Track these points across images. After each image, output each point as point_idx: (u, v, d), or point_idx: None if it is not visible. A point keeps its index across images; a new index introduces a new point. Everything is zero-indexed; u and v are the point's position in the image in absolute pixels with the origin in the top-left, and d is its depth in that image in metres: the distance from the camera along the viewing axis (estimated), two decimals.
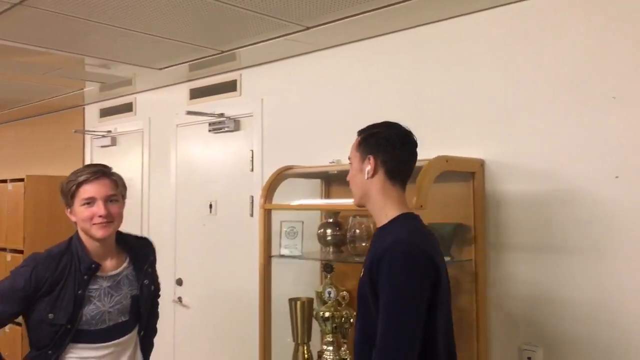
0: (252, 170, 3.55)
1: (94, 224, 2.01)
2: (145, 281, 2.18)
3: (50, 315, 1.96)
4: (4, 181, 4.86)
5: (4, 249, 4.76)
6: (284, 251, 2.84)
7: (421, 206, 2.05)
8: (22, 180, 4.66)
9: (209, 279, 3.81)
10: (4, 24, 2.79)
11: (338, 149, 2.95)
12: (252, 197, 3.52)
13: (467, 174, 2.49)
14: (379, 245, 1.67)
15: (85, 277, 2.02)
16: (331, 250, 2.88)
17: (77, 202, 2.03)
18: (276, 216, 2.87)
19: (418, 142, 1.82)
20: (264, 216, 2.82)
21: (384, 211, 1.75)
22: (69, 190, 2.04)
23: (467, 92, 2.60)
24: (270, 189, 2.87)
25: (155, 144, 4.30)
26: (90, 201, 2.02)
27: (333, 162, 3.02)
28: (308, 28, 2.85)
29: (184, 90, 4.05)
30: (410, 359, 1.56)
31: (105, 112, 4.76)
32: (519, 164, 2.42)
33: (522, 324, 2.41)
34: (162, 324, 2.42)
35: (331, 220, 2.89)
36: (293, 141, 3.35)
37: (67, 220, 2.09)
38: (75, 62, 3.55)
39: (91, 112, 4.94)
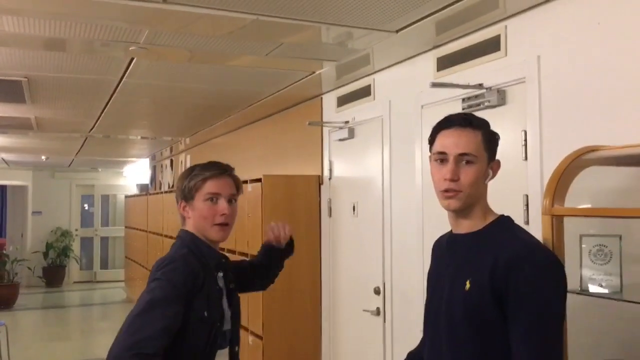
0: (526, 158, 2.51)
1: (215, 224, 1.96)
2: (231, 285, 2.06)
3: (206, 313, 1.88)
4: (245, 182, 4.55)
5: (245, 255, 4.44)
6: (589, 284, 1.76)
7: None
8: (259, 180, 4.28)
9: None
10: None
11: None
12: (527, 196, 2.48)
13: None
14: (498, 249, 1.51)
15: (217, 272, 1.98)
16: None
17: (200, 196, 1.97)
18: (571, 226, 1.81)
19: None
20: (551, 226, 1.77)
21: (485, 215, 1.63)
22: (193, 185, 1.97)
23: None
24: (560, 184, 1.82)
25: (397, 132, 3.49)
26: (214, 197, 1.96)
27: None
28: None
29: (429, 60, 3.17)
30: None
31: (343, 100, 4.12)
32: None
33: None
34: None
35: None
36: (590, 113, 2.23)
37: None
38: (293, 30, 2.90)
39: (329, 101, 4.35)
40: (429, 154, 1.70)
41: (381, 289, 3.59)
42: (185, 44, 3.07)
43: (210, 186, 1.96)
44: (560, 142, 2.33)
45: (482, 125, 1.64)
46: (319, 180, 4.41)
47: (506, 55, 2.66)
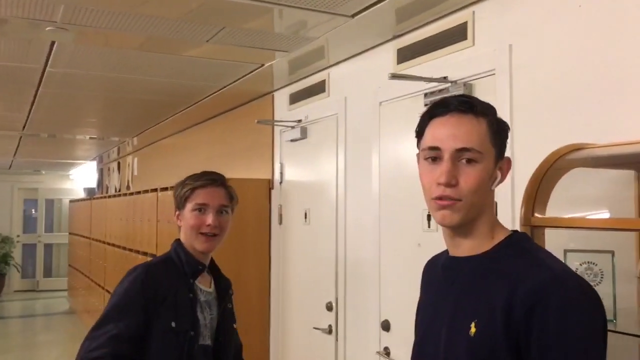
0: None
1: (200, 234, 1.96)
2: (228, 304, 2.08)
3: (173, 324, 1.85)
4: None
5: None
6: None
7: None
8: None
9: None
10: None
11: None
12: (496, 203, 2.18)
13: None
14: (514, 281, 1.09)
15: (192, 280, 1.95)
16: None
17: (189, 206, 1.98)
18: (554, 238, 1.51)
19: None
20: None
21: (492, 232, 1.21)
22: (183, 194, 1.99)
23: None
24: (541, 189, 1.51)
25: (353, 132, 3.17)
26: (202, 207, 1.97)
27: None
28: None
29: (389, 52, 2.86)
30: None
31: (295, 97, 3.78)
32: None
33: None
34: None
35: None
36: (569, 109, 1.94)
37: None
38: (236, 10, 2.56)
39: (281, 99, 4.01)
40: (417, 150, 1.30)
41: (334, 304, 3.25)
42: (110, 24, 2.68)
43: (198, 196, 1.97)
44: (534, 141, 2.04)
45: (488, 112, 1.22)
46: (269, 184, 4.06)
47: (474, 44, 2.36)
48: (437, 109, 1.23)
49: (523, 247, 1.20)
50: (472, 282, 1.19)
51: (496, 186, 1.23)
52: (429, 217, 2.54)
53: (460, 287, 1.21)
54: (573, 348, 1.04)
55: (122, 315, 1.82)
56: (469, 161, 1.16)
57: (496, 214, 1.31)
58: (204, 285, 2.01)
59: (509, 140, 1.95)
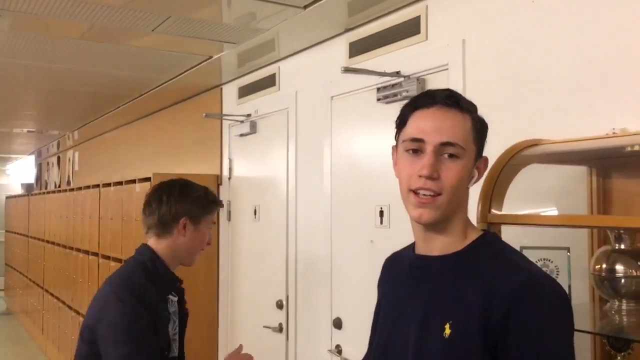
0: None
1: (202, 249, 2.01)
2: (185, 305, 2.02)
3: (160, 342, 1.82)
4: (132, 182, 4.01)
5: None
6: None
7: None
8: (148, 179, 3.76)
9: None
10: None
11: (618, 111, 1.62)
12: None
13: None
14: (488, 283, 1.09)
15: (169, 295, 1.91)
16: (624, 306, 1.47)
17: (207, 222, 2.01)
18: (511, 235, 1.49)
19: None
20: None
21: (466, 231, 1.19)
22: (206, 210, 2.00)
23: None
24: (496, 185, 1.49)
25: (304, 127, 3.11)
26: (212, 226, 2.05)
27: (614, 132, 1.58)
28: None
29: (341, 45, 2.81)
30: None
31: (245, 91, 3.69)
32: None
33: None
34: None
35: (623, 246, 1.47)
36: (522, 104, 1.94)
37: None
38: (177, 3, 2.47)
39: (229, 92, 3.91)
40: (395, 142, 1.25)
41: (284, 302, 3.19)
42: (49, 11, 2.54)
43: (214, 216, 2.05)
44: (489, 137, 2.03)
45: (472, 108, 1.21)
46: (218, 180, 3.95)
47: (427, 39, 2.34)
48: (421, 100, 1.20)
49: (497, 247, 1.19)
50: (445, 282, 1.16)
51: (472, 185, 1.21)
52: (381, 213, 2.51)
53: (431, 287, 1.18)
54: (549, 349, 1.04)
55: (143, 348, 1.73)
56: (451, 156, 1.14)
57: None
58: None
59: None
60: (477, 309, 1.08)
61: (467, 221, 1.22)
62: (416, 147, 1.16)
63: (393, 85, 2.42)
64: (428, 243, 1.21)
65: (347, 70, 2.37)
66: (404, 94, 2.36)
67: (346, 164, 2.76)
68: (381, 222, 2.52)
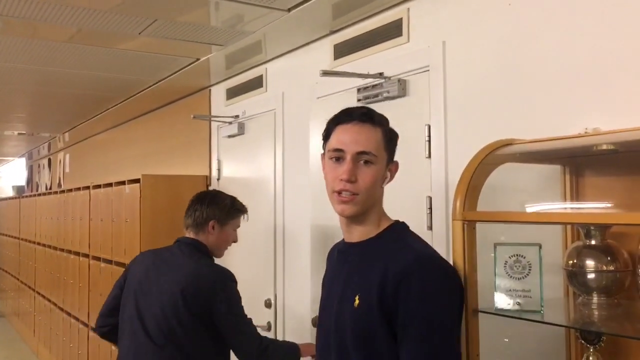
0: (429, 156, 2.25)
1: (228, 246, 2.57)
2: None
3: None
4: (121, 183, 4.04)
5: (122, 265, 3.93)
6: (504, 302, 1.49)
7: None
8: (138, 181, 3.79)
9: None
10: None
11: (591, 111, 1.67)
12: (430, 198, 2.22)
13: None
14: (388, 261, 1.35)
15: None
16: (595, 300, 1.51)
17: (233, 226, 2.54)
18: (485, 232, 1.54)
19: None
20: (463, 234, 1.50)
21: (380, 221, 1.48)
22: (232, 214, 2.54)
23: None
24: (472, 183, 1.54)
25: (291, 128, 3.15)
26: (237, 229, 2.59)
27: (587, 131, 1.63)
28: None
29: (325, 47, 2.86)
30: None
31: (233, 92, 3.73)
32: None
33: None
34: None
35: (593, 242, 1.52)
36: (501, 105, 1.99)
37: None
38: (163, 2, 2.50)
39: (217, 94, 3.95)
40: (322, 151, 1.51)
41: (272, 301, 3.23)
42: (37, 15, 2.57)
43: (238, 221, 2.57)
44: (467, 137, 2.08)
45: (383, 122, 1.47)
46: (207, 181, 3.99)
47: (408, 41, 2.39)
48: (342, 117, 1.46)
49: (400, 234, 1.46)
50: (358, 262, 1.44)
51: (385, 184, 1.47)
52: None
53: (349, 266, 1.46)
54: (431, 319, 1.28)
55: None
56: (366, 162, 1.40)
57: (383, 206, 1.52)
58: None
59: (442, 135, 2.00)
60: (376, 284, 1.33)
61: (382, 213, 1.49)
62: (338, 156, 1.42)
63: (374, 86, 2.46)
64: (350, 232, 1.49)
65: (325, 73, 2.41)
66: (385, 94, 2.40)
67: None
68: None
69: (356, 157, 1.40)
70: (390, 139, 1.46)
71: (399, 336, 1.30)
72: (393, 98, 2.40)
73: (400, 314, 1.29)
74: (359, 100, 2.51)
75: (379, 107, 2.38)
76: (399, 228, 1.49)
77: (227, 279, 2.35)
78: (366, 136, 1.41)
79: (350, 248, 1.49)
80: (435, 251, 1.43)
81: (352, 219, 1.46)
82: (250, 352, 2.27)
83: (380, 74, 2.45)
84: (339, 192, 1.40)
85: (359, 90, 2.52)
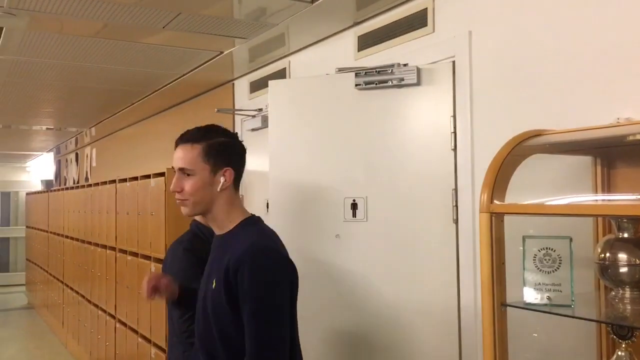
0: (455, 148, 2.21)
1: None
2: None
3: None
4: (147, 177, 4.07)
5: (148, 257, 3.97)
6: (532, 296, 1.46)
7: None
8: (163, 174, 3.81)
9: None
10: None
11: (623, 100, 1.62)
12: (455, 191, 2.19)
13: None
14: (232, 251, 1.65)
15: None
16: (628, 295, 1.48)
17: None
18: (514, 224, 1.51)
19: None
20: (490, 226, 1.47)
21: (230, 218, 1.75)
22: None
23: None
24: (500, 175, 1.51)
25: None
26: None
27: (619, 121, 1.59)
28: None
29: (349, 39, 2.83)
30: None
31: (256, 85, 3.73)
32: None
33: None
34: None
35: (626, 234, 1.48)
36: (528, 96, 1.95)
37: None
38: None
39: (241, 87, 3.95)
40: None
41: None
42: (63, 10, 2.59)
43: None
44: (494, 129, 2.05)
45: (205, 139, 1.72)
46: None
47: (434, 31, 2.35)
48: (178, 140, 1.76)
49: (249, 227, 1.72)
50: (218, 252, 1.74)
51: (223, 187, 1.70)
52: (352, 206, 2.48)
53: (214, 254, 1.77)
54: (261, 297, 1.57)
55: None
56: (188, 175, 1.69)
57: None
58: None
59: (468, 126, 1.96)
60: (223, 269, 1.62)
61: (230, 211, 1.73)
62: (175, 170, 1.73)
63: (379, 72, 2.34)
64: (213, 227, 1.78)
65: (340, 70, 2.38)
66: (394, 81, 2.31)
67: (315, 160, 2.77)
68: (354, 215, 2.45)
69: (180, 172, 1.70)
70: (217, 150, 1.70)
71: (241, 312, 1.58)
72: (414, 85, 2.31)
73: (240, 294, 1.58)
74: (357, 85, 2.39)
75: (402, 98, 2.34)
76: (249, 222, 1.74)
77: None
78: (183, 154, 1.70)
79: (217, 240, 1.78)
80: (272, 242, 1.70)
81: (202, 217, 1.92)
82: None
83: (405, 65, 2.41)
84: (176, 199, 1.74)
85: (357, 74, 2.39)
